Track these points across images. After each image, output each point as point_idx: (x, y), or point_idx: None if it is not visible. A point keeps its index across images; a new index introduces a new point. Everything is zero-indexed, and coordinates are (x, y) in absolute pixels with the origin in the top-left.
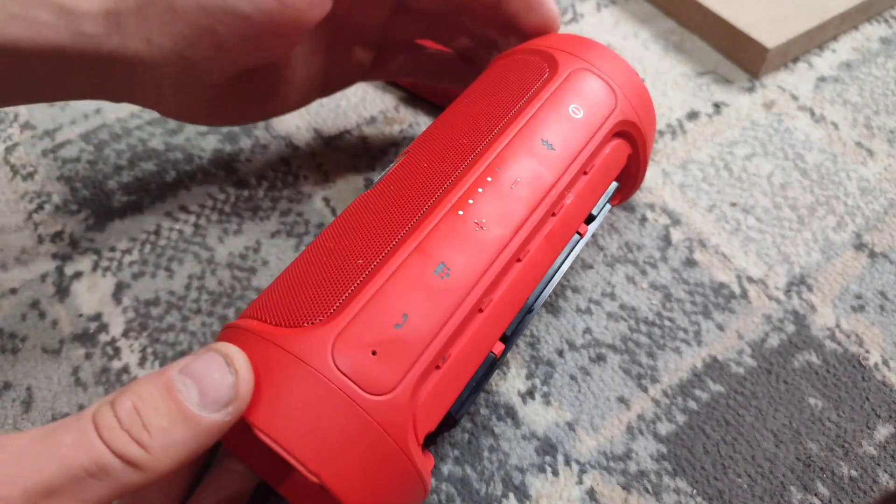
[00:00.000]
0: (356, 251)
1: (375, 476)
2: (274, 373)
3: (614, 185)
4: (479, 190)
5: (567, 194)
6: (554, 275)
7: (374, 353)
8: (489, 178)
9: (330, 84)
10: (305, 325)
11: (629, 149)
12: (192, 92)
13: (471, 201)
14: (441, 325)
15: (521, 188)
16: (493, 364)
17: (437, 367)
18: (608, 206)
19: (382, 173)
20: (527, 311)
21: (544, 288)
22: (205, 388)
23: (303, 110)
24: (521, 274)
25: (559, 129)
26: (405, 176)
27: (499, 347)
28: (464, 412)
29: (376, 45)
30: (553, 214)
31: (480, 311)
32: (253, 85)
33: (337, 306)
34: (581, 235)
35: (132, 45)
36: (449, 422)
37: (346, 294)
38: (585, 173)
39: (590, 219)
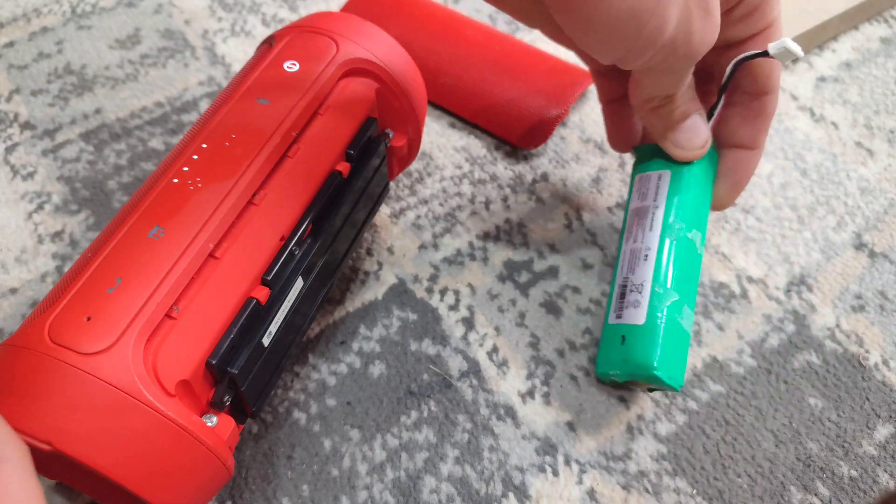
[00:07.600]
0: (91, 250)
1: (114, 426)
2: (5, 366)
3: (373, 120)
4: (195, 157)
5: (298, 137)
6: (308, 212)
7: (88, 318)
8: (204, 146)
9: None
10: (35, 320)
11: (376, 83)
12: None
13: (186, 168)
14: (159, 280)
15: (237, 143)
16: (257, 309)
17: (171, 318)
18: (383, 143)
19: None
20: (305, 249)
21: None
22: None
23: None
24: (261, 215)
25: (273, 86)
26: (155, 175)
27: (262, 292)
28: (238, 362)
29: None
30: (289, 157)
31: (215, 258)
32: None
33: (61, 296)
34: (343, 174)
35: None
36: (217, 376)
37: (72, 283)
38: (321, 115)
39: (361, 158)
